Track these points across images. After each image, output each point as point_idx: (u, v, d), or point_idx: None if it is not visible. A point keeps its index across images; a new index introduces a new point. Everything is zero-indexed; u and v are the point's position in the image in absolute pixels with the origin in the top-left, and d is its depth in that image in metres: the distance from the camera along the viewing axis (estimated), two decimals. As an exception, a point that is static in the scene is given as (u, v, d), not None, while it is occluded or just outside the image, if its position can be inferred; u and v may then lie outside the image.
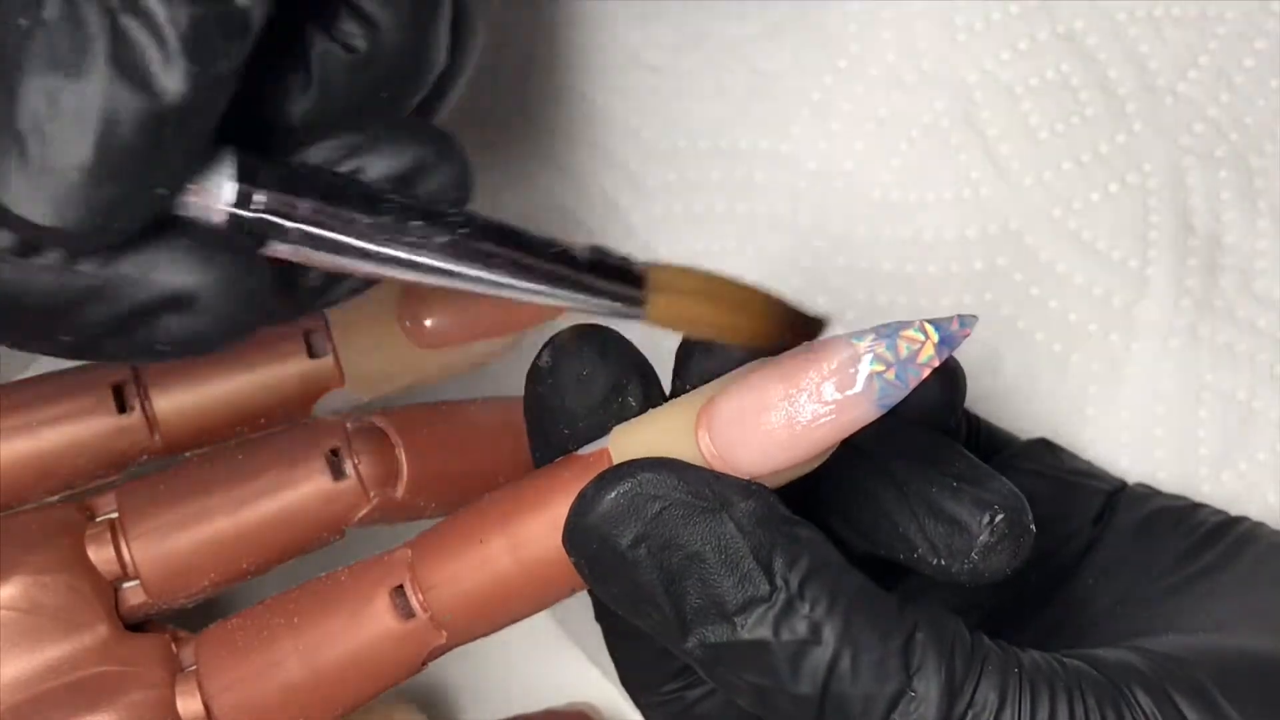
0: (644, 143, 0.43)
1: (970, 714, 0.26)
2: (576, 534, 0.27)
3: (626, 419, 0.29)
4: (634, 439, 0.28)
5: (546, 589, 0.29)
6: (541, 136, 0.43)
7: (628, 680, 0.32)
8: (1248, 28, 0.41)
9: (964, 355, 0.41)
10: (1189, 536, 0.35)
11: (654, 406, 0.29)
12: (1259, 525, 0.35)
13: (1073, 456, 0.39)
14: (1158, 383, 0.40)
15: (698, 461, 0.27)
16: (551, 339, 0.30)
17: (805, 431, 0.27)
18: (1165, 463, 0.40)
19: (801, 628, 0.26)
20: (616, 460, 0.28)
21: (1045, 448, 0.39)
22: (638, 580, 0.27)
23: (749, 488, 0.27)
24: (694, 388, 0.29)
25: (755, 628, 0.26)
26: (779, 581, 0.26)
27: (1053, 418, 0.41)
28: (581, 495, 0.27)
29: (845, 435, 0.27)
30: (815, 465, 0.28)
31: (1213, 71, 0.41)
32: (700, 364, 0.30)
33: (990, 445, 0.38)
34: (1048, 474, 0.37)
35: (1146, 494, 0.37)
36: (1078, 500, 0.37)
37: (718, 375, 0.29)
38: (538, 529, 0.28)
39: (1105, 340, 0.41)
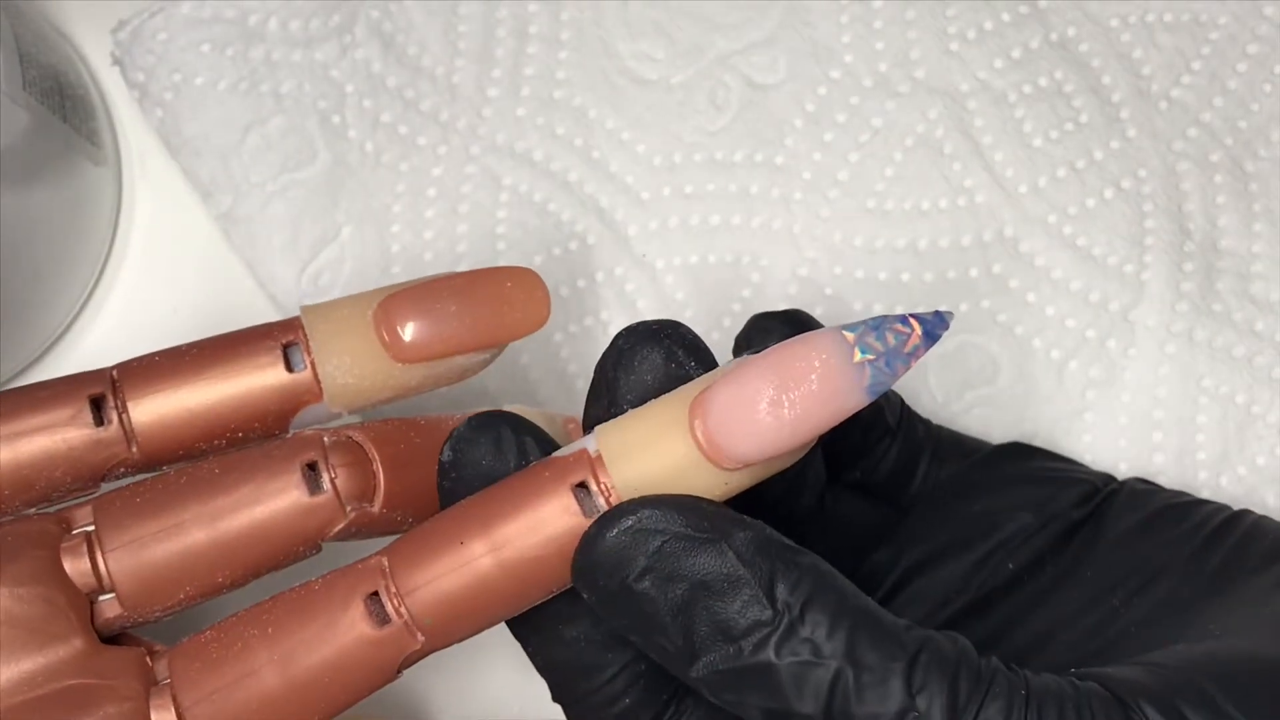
0: (639, 156, 0.43)
1: None
2: (584, 571, 0.28)
3: None
4: (622, 435, 0.28)
5: (526, 590, 0.29)
6: (536, 151, 0.43)
7: None
8: (1240, 32, 0.41)
9: (962, 362, 0.41)
10: (1193, 536, 0.35)
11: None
12: (1262, 519, 0.35)
13: (1050, 455, 0.39)
14: (1155, 387, 0.40)
15: (691, 453, 0.28)
16: (451, 433, 0.30)
17: (799, 418, 0.27)
18: (1164, 467, 0.40)
19: (804, 650, 0.27)
20: (605, 456, 0.28)
21: (1016, 452, 0.38)
22: (646, 612, 0.27)
23: (744, 520, 0.28)
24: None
25: (759, 650, 0.27)
26: (780, 606, 0.27)
27: (1050, 423, 0.40)
28: (585, 536, 0.28)
29: (837, 421, 0.27)
30: (803, 454, 0.29)
31: (1206, 76, 0.41)
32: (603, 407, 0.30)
33: (957, 453, 0.38)
34: (1009, 478, 0.37)
35: (1147, 490, 0.37)
36: (1048, 493, 0.37)
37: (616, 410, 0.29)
38: (517, 530, 0.28)
39: (1102, 345, 0.40)
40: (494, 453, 0.30)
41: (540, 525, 0.28)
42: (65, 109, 0.40)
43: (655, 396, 0.29)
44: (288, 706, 0.29)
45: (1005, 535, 0.36)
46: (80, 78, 0.43)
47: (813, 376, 0.27)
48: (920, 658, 0.27)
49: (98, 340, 0.44)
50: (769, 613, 0.27)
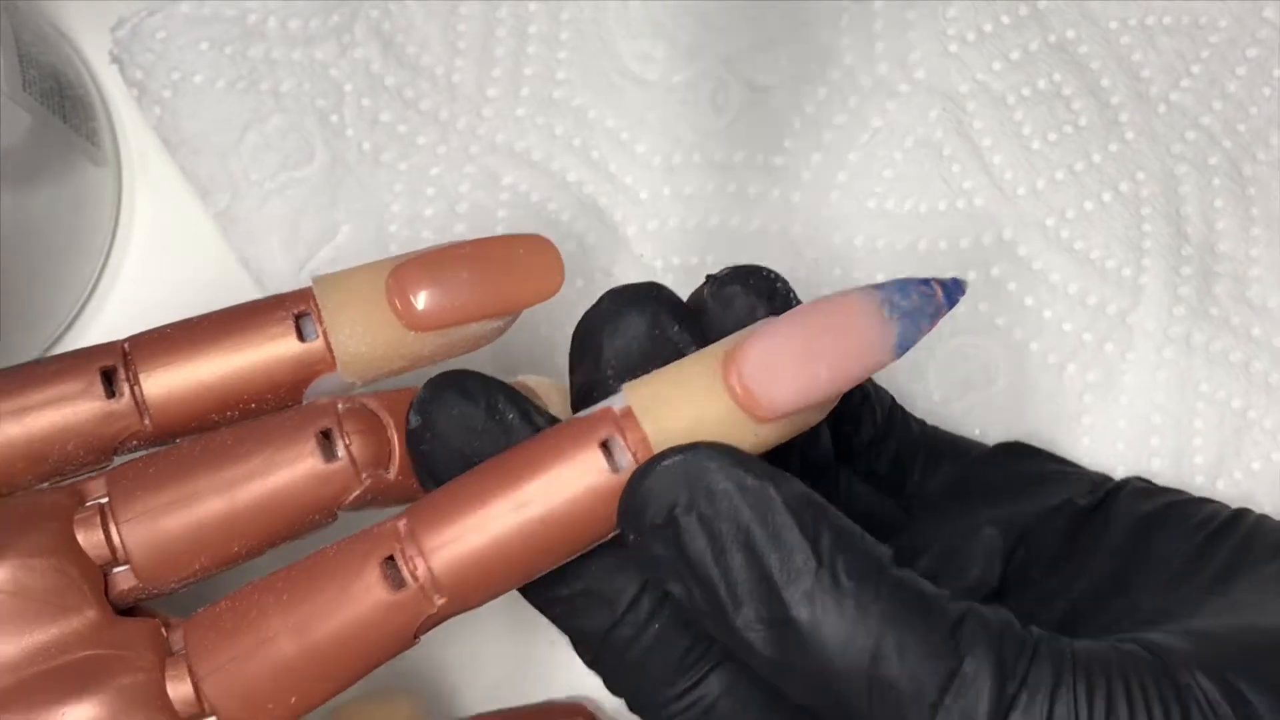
0: (638, 156, 0.43)
1: (1024, 694, 0.26)
2: (631, 502, 0.28)
3: (513, 436, 0.29)
4: (654, 390, 0.28)
5: (550, 549, 0.28)
6: (535, 150, 0.43)
7: (636, 705, 0.31)
8: (1240, 35, 0.41)
9: (960, 364, 0.41)
10: (1198, 533, 0.35)
11: (529, 418, 0.30)
12: (1264, 518, 0.35)
13: (1051, 456, 0.39)
14: (1152, 392, 0.40)
15: (725, 405, 0.28)
16: (412, 403, 0.30)
17: (831, 368, 0.27)
18: (1160, 471, 0.40)
19: (848, 606, 0.27)
20: (637, 410, 0.28)
21: (1018, 450, 0.39)
22: (688, 550, 0.27)
23: (789, 475, 0.28)
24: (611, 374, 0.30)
25: (802, 604, 0.27)
26: (825, 560, 0.27)
27: (1048, 427, 0.40)
28: (636, 471, 0.28)
29: (867, 375, 0.28)
30: (825, 413, 0.29)
31: (1205, 79, 0.41)
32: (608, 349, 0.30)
33: (953, 452, 0.38)
34: (1013, 475, 0.38)
35: (1150, 488, 0.37)
36: (1052, 491, 0.37)
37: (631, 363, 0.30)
38: (542, 487, 0.28)
39: (1100, 349, 0.40)
40: (462, 400, 0.29)
41: (567, 482, 0.28)
42: (65, 109, 0.41)
43: (640, 362, 0.29)
44: (305, 673, 0.29)
45: (1013, 532, 0.36)
46: (80, 78, 0.43)
47: (845, 331, 0.27)
48: (965, 623, 0.27)
49: (98, 340, 0.44)
50: (814, 565, 0.27)
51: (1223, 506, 0.36)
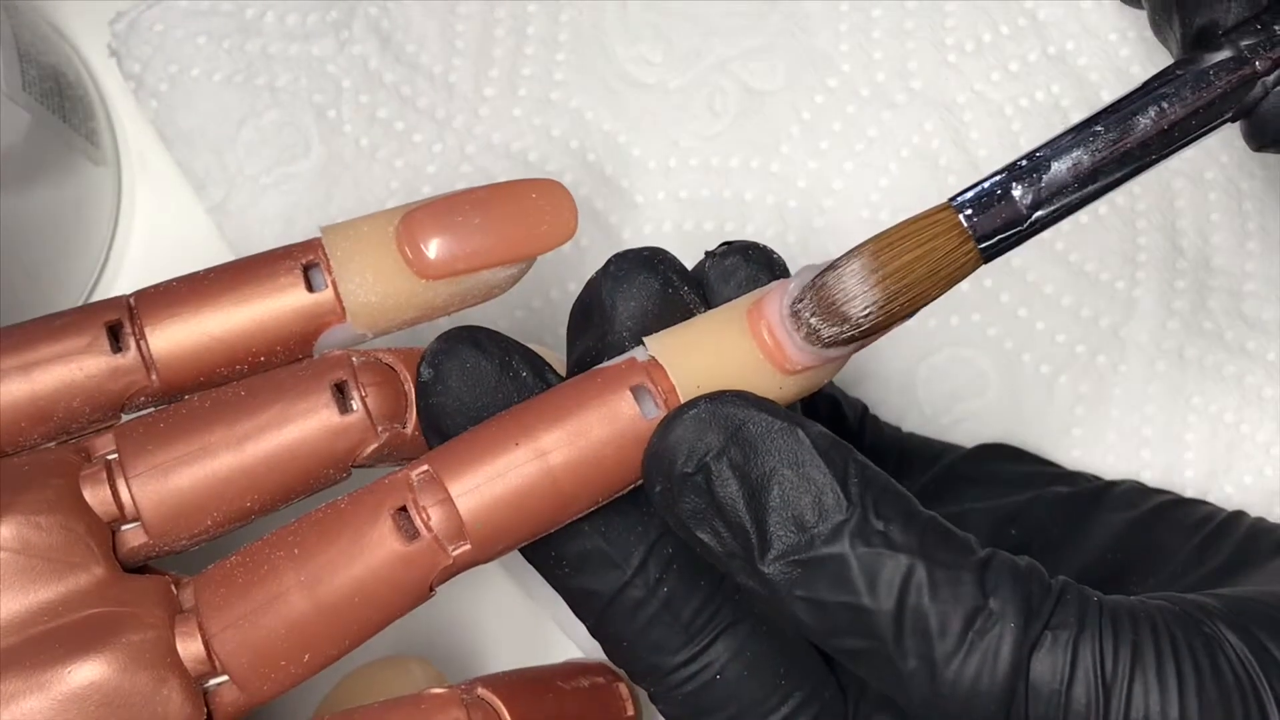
0: (635, 160, 0.43)
1: (1048, 635, 0.27)
2: (660, 454, 0.28)
3: (525, 394, 0.29)
4: (679, 341, 0.29)
5: (575, 497, 0.28)
6: (531, 151, 0.43)
7: (640, 672, 0.31)
8: (1238, 50, 0.41)
9: (951, 375, 0.41)
10: (1198, 531, 0.35)
11: (543, 376, 0.30)
12: (1260, 520, 0.36)
13: (1035, 456, 0.39)
14: (1144, 405, 0.40)
15: (753, 355, 0.28)
16: (423, 355, 0.30)
17: None
18: (1151, 484, 0.40)
19: (877, 541, 0.27)
20: (664, 361, 0.28)
21: (1002, 449, 0.39)
22: (718, 496, 0.27)
23: (812, 420, 0.28)
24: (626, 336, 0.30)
25: (832, 540, 0.27)
26: (854, 499, 0.27)
27: (1038, 438, 0.40)
28: (665, 419, 0.28)
29: (888, 331, 0.29)
30: (837, 372, 0.30)
31: (1203, 94, 0.41)
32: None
33: (927, 454, 0.38)
34: (1005, 466, 0.38)
35: (1146, 489, 0.37)
36: (1041, 479, 0.38)
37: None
38: (568, 433, 0.28)
39: (1092, 362, 0.40)
40: (476, 353, 0.29)
41: (597, 426, 0.28)
42: (65, 109, 0.40)
43: (654, 323, 0.30)
44: (318, 629, 0.29)
45: (999, 520, 0.36)
46: (80, 78, 0.43)
47: None
48: (991, 564, 0.27)
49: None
50: (844, 503, 0.27)
51: (1220, 508, 0.36)
